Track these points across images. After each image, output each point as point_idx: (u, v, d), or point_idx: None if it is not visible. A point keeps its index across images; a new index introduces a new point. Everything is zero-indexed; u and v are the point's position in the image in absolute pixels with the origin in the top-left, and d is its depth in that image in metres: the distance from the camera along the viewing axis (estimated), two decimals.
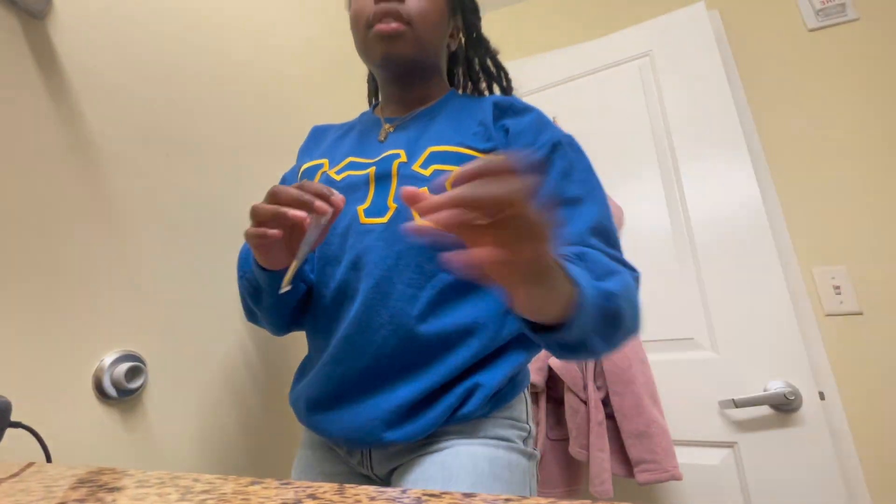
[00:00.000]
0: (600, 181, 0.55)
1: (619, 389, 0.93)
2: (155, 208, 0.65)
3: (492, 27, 1.77)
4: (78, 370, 0.54)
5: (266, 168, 0.89)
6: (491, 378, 0.51)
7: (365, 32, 0.58)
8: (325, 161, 0.62)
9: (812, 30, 1.30)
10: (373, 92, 0.76)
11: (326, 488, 0.24)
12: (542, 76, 1.49)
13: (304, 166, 0.63)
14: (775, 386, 0.92)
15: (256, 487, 0.25)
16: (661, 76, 1.28)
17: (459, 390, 0.50)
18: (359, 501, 0.22)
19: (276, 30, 0.97)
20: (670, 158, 1.21)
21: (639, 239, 1.17)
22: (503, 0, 1.78)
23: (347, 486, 0.25)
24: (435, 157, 0.55)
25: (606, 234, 0.50)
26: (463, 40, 0.70)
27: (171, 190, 0.68)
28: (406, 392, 0.49)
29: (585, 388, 0.98)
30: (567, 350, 0.41)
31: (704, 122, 1.18)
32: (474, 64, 0.70)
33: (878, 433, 0.96)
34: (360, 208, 0.55)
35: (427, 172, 0.54)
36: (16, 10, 0.51)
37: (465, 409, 0.50)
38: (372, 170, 0.56)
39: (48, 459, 0.45)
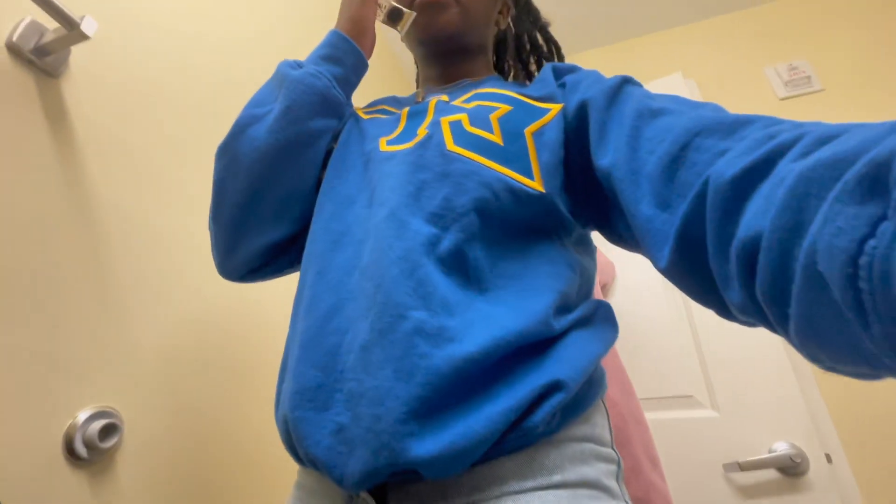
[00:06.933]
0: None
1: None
2: (146, 257, 0.65)
3: None
4: (48, 429, 0.50)
5: None
6: (572, 371, 0.34)
7: (409, 5, 0.53)
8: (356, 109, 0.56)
9: (783, 98, 1.39)
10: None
11: None
12: None
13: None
14: (780, 447, 0.89)
15: None
16: None
17: (525, 387, 0.32)
18: None
19: None
20: None
21: (631, 292, 1.18)
22: None
23: None
24: (479, 97, 0.47)
25: (714, 123, 0.31)
26: (511, 22, 0.63)
27: (164, 238, 0.68)
28: (431, 372, 0.31)
29: None
30: None
31: None
32: (523, 40, 0.65)
33: (891, 496, 0.91)
34: (383, 139, 0.46)
35: (469, 105, 0.45)
36: (33, 68, 0.54)
37: (534, 419, 0.32)
38: (406, 110, 0.50)
39: None
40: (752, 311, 0.25)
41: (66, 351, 0.54)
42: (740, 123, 0.30)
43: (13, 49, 0.52)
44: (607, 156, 0.37)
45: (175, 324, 0.68)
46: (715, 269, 0.27)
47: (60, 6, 0.49)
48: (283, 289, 0.88)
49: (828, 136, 0.23)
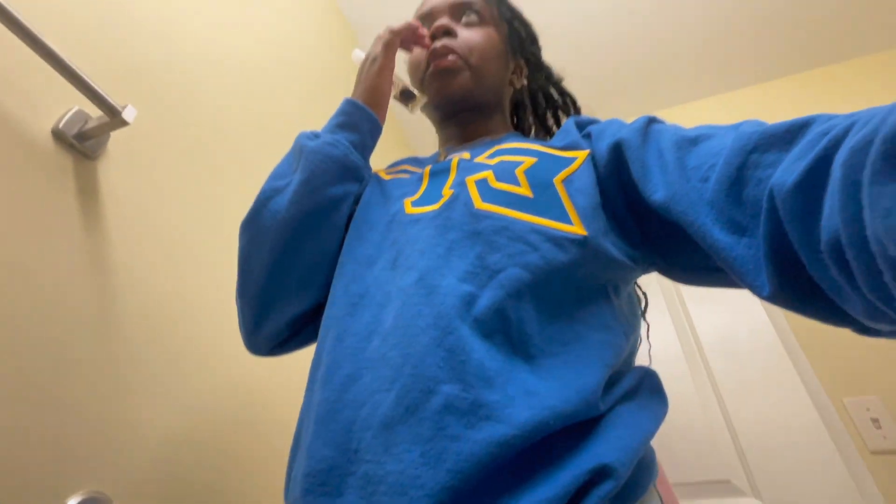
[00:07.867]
0: None
1: None
2: (160, 338, 0.64)
3: None
4: None
5: None
6: (621, 453, 0.30)
7: (423, 76, 0.56)
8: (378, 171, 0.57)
9: None
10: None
11: None
12: None
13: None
14: None
15: None
16: None
17: (567, 473, 0.28)
18: None
19: None
20: (672, 284, 1.23)
21: (648, 363, 1.13)
22: None
23: None
24: (503, 152, 0.47)
25: (767, 136, 0.29)
26: (525, 82, 0.65)
27: (182, 319, 0.68)
28: (462, 457, 0.28)
29: None
30: None
31: None
32: (538, 97, 0.66)
33: None
34: (408, 200, 0.46)
35: (492, 161, 0.45)
36: (73, 151, 0.58)
37: None
38: (427, 168, 0.50)
39: None
40: (882, 316, 0.22)
41: (62, 431, 0.51)
42: (796, 129, 0.28)
43: (58, 135, 0.56)
44: (658, 191, 0.36)
45: (178, 407, 0.66)
46: (821, 283, 0.25)
47: (105, 96, 0.54)
48: (292, 371, 0.85)
49: (868, 118, 0.22)
